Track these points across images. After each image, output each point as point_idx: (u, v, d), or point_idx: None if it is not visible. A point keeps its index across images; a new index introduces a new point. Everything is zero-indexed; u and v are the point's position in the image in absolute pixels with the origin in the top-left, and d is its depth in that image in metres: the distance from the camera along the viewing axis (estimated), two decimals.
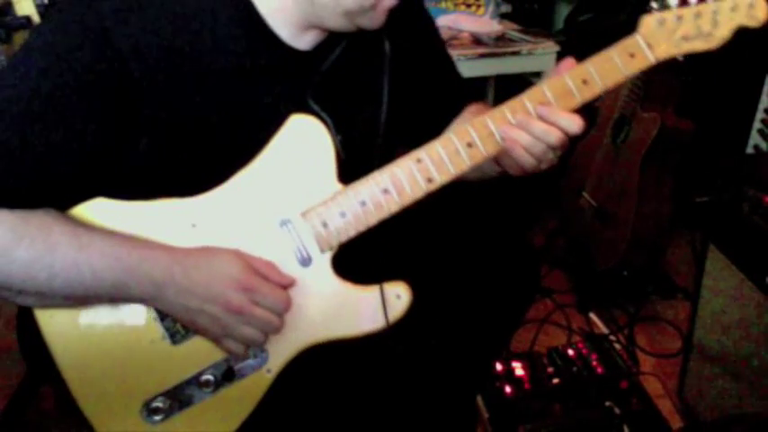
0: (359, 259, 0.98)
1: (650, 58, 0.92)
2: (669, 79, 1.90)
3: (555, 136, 0.90)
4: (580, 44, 2.72)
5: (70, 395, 0.92)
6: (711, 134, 2.03)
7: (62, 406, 0.95)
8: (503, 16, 2.85)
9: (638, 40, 0.92)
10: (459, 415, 1.32)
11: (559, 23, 3.07)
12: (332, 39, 0.98)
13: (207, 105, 0.90)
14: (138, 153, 0.88)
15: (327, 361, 1.08)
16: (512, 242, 1.20)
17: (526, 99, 0.92)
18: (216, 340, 0.92)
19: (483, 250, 1.16)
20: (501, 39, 2.55)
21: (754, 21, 0.91)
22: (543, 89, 0.92)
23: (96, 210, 0.89)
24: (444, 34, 2.60)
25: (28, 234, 0.81)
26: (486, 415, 1.61)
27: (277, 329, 0.92)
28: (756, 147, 1.93)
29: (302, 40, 0.95)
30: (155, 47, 0.84)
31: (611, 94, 2.01)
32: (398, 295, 0.98)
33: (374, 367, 1.16)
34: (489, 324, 1.18)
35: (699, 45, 0.92)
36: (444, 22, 2.73)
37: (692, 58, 1.00)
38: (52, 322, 0.91)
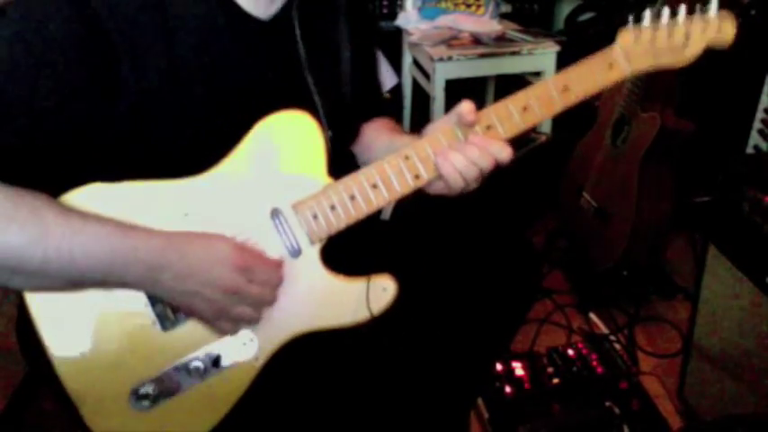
0: (362, 261, 0.99)
1: (627, 70, 0.97)
2: (669, 79, 1.90)
3: (487, 162, 0.94)
4: (580, 44, 2.71)
5: (59, 381, 0.91)
6: (711, 134, 2.03)
7: (58, 400, 0.94)
8: (503, 16, 2.86)
9: (617, 51, 0.97)
10: (460, 416, 1.32)
11: (559, 23, 3.07)
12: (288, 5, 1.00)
13: (183, 75, 0.91)
14: (118, 118, 0.88)
15: (325, 361, 1.08)
16: (513, 242, 1.20)
17: (510, 103, 0.96)
18: (210, 322, 0.93)
19: (484, 251, 1.16)
20: (501, 39, 2.55)
21: (721, 42, 0.97)
22: (528, 94, 0.96)
23: (90, 195, 0.89)
24: (444, 34, 2.61)
25: (18, 218, 0.80)
26: (486, 415, 1.61)
27: (270, 303, 0.94)
28: (756, 147, 1.94)
29: (269, 10, 0.98)
30: (131, 8, 0.86)
31: (611, 95, 2.01)
32: (384, 288, 1.00)
33: (374, 369, 1.17)
34: (491, 325, 1.19)
35: (670, 60, 0.98)
36: (444, 22, 2.73)
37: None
38: (42, 307, 0.90)
